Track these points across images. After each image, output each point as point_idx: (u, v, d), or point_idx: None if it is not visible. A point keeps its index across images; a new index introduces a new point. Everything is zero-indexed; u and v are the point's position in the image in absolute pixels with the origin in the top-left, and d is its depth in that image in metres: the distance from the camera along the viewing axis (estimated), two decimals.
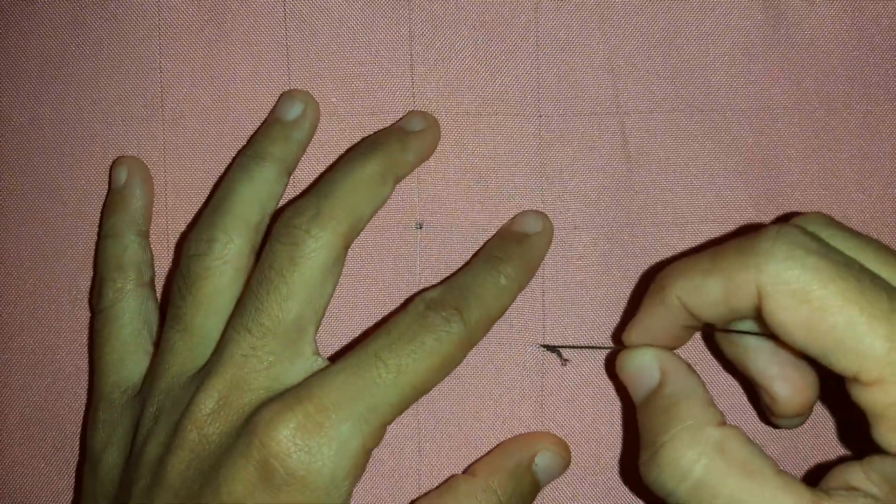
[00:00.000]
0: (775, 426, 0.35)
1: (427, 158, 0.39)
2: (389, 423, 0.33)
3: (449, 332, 0.33)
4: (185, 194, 0.41)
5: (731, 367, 0.36)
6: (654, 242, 0.40)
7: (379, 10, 0.40)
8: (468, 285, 0.35)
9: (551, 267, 0.40)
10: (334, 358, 0.35)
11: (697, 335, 0.40)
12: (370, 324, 0.40)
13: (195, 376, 0.34)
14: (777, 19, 0.40)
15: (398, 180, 0.38)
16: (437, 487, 0.38)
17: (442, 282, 0.37)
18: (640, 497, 0.40)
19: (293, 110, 0.39)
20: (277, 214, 0.36)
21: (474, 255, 0.39)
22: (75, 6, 0.41)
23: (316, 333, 0.35)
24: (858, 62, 0.40)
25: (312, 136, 0.39)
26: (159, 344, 0.36)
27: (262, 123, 0.40)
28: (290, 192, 0.40)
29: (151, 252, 0.39)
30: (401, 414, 0.33)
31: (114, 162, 0.40)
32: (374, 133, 0.39)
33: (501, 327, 0.40)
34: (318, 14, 0.41)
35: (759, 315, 0.28)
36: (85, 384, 0.41)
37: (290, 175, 0.38)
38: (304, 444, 0.31)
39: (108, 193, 0.40)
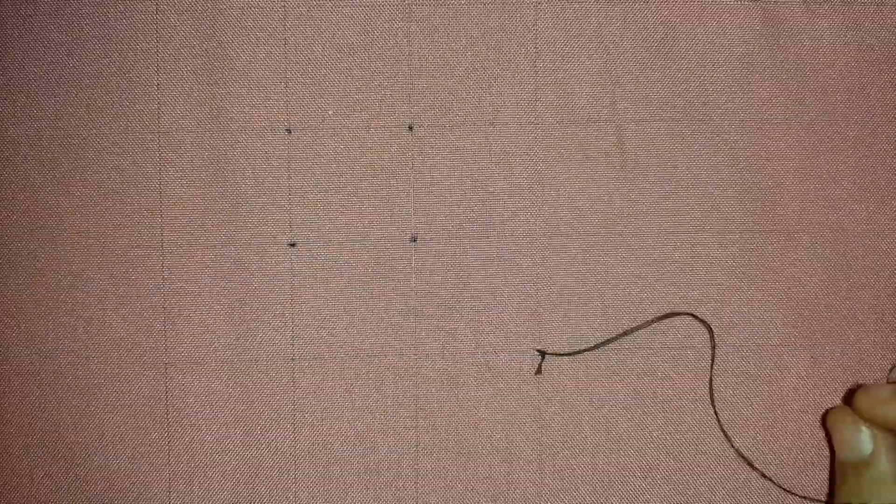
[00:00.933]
0: None
1: None
2: None
3: None
4: (181, 204, 0.40)
5: None
6: (649, 250, 0.41)
7: (378, 19, 0.40)
8: None
9: (546, 273, 0.40)
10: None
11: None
12: (366, 334, 0.41)
13: None
14: (776, 30, 0.40)
15: None
16: None
17: None
18: None
19: None
20: None
21: None
22: (74, 22, 0.40)
23: None
24: (857, 74, 0.40)
25: None
26: None
27: None
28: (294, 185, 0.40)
29: None
30: None
31: None
32: None
33: (498, 334, 0.40)
34: (317, 13, 0.40)
35: None
36: (83, 393, 0.40)
37: None
38: None
39: None
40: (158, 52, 0.40)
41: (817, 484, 0.40)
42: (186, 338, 0.40)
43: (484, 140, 0.40)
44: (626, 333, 0.40)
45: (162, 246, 0.40)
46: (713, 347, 0.40)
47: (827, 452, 0.40)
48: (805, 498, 0.40)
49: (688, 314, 0.40)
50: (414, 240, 0.40)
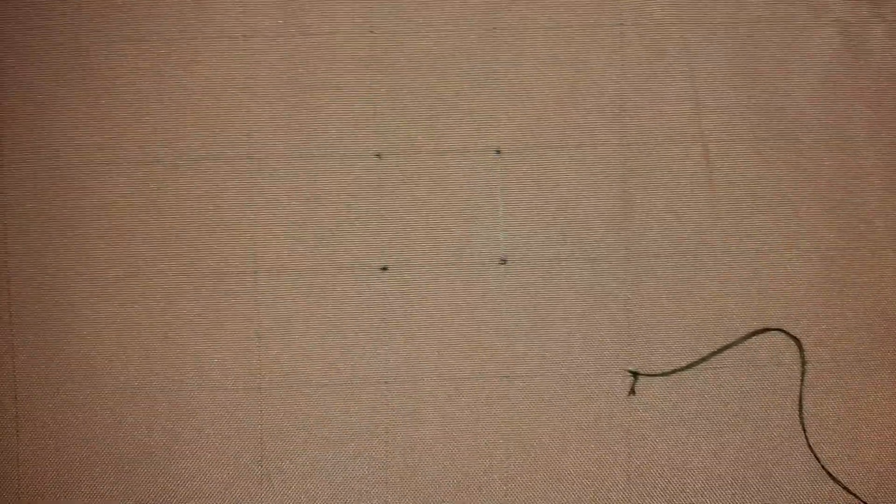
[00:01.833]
0: None
1: None
2: None
3: None
4: (274, 229, 0.41)
5: None
6: (738, 268, 0.41)
7: (464, 46, 0.40)
8: None
9: (635, 293, 0.41)
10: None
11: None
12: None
13: None
14: (857, 49, 0.41)
15: None
16: None
17: None
18: None
19: None
20: None
21: None
22: (166, 38, 0.40)
23: None
24: None
25: None
26: None
27: None
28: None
29: None
30: None
31: None
32: None
33: (589, 354, 0.41)
34: (401, 37, 0.41)
35: None
36: (176, 418, 0.40)
37: None
38: None
39: None
40: (247, 77, 0.40)
41: None
42: (281, 362, 0.40)
43: (571, 162, 0.41)
44: (719, 351, 0.40)
45: (255, 271, 0.41)
46: (803, 363, 0.40)
47: None
48: None
49: (779, 330, 0.40)
50: (503, 262, 0.41)
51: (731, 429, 0.41)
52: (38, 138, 0.40)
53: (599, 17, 0.41)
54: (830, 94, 0.41)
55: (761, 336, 0.41)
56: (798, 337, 0.41)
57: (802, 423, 0.40)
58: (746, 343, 0.41)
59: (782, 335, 0.41)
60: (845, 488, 0.40)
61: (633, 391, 0.39)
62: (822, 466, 0.40)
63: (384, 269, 0.41)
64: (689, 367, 0.40)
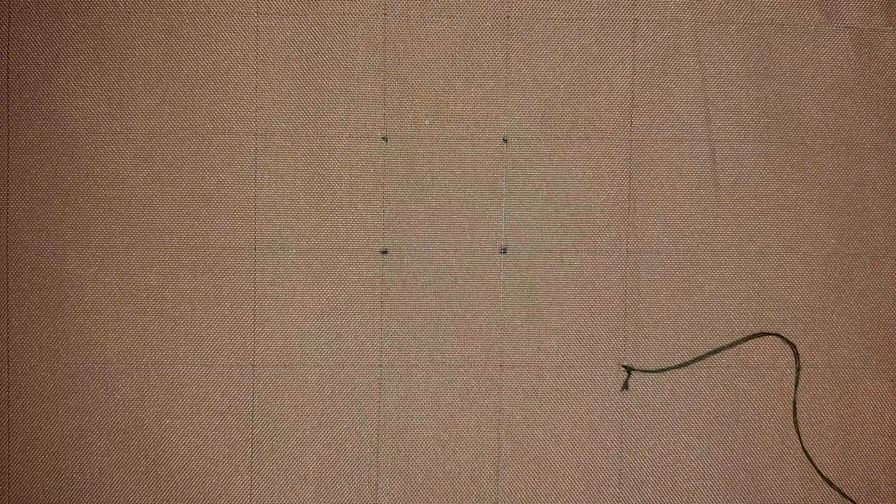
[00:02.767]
0: None
1: None
2: None
3: None
4: (275, 207, 0.41)
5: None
6: (738, 270, 0.41)
7: (477, 32, 0.40)
8: None
9: (634, 288, 0.41)
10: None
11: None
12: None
13: None
14: (869, 57, 0.41)
15: None
16: None
17: None
18: None
19: None
20: None
21: None
22: (173, 22, 0.40)
23: None
24: None
25: None
26: None
27: None
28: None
29: None
30: None
31: None
32: None
33: (584, 348, 0.41)
34: (415, 25, 0.40)
35: None
36: (168, 393, 0.40)
37: None
38: None
39: None
40: (258, 54, 0.40)
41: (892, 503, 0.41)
42: (276, 340, 0.40)
43: (577, 154, 0.41)
44: (715, 352, 0.40)
45: (255, 248, 0.40)
46: (798, 368, 0.40)
47: None
48: None
49: (775, 335, 0.40)
50: (504, 251, 0.41)
51: (723, 429, 0.41)
52: (47, 107, 0.40)
53: (613, 12, 0.41)
54: (839, 100, 0.41)
55: (759, 339, 0.41)
56: (794, 341, 0.41)
57: (797, 427, 0.41)
58: (743, 345, 0.41)
59: (779, 340, 0.41)
60: (840, 492, 0.40)
61: (626, 386, 0.39)
62: (818, 471, 0.40)
63: (384, 252, 0.41)
64: (683, 365, 0.40)
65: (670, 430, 0.41)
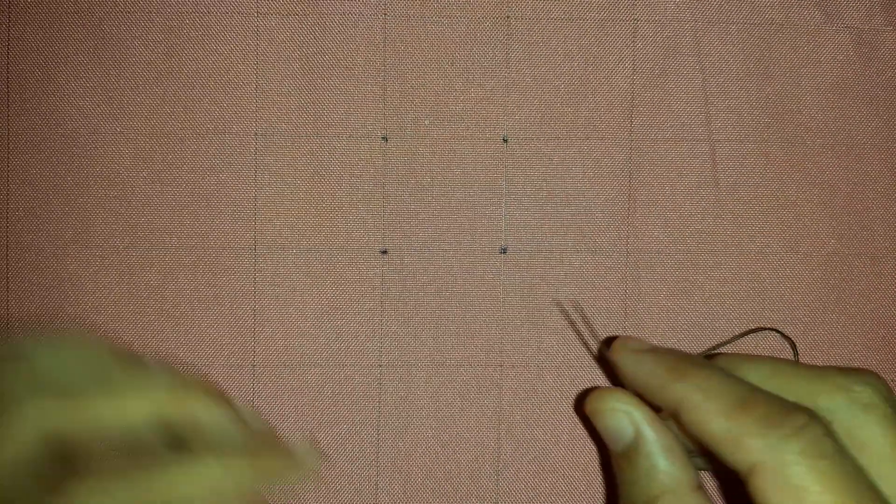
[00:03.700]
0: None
1: None
2: None
3: None
4: (275, 206, 0.41)
5: None
6: (738, 269, 0.41)
7: (477, 31, 0.40)
8: None
9: (634, 288, 0.41)
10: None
11: None
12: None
13: None
14: (869, 56, 0.41)
15: None
16: None
17: None
18: None
19: None
20: None
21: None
22: (173, 21, 0.40)
23: None
24: None
25: None
26: None
27: None
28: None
29: None
30: None
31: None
32: None
33: (584, 349, 0.41)
34: (416, 24, 0.40)
35: (742, 473, 0.29)
36: None
37: None
38: None
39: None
40: (258, 54, 0.40)
41: None
42: (276, 340, 0.40)
43: (577, 154, 0.41)
44: (713, 348, 0.40)
45: (255, 247, 0.40)
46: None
47: None
48: None
49: (773, 329, 0.40)
50: (504, 251, 0.41)
51: None
52: (47, 107, 0.40)
53: (613, 12, 0.41)
54: (840, 100, 0.41)
55: (757, 337, 0.41)
56: (794, 341, 0.41)
57: None
58: (741, 342, 0.41)
59: (777, 336, 0.41)
60: None
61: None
62: None
63: (384, 252, 0.41)
64: None
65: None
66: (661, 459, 0.31)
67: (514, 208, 0.41)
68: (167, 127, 0.40)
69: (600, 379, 0.41)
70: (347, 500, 0.40)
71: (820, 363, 0.41)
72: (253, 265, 0.40)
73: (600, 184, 0.41)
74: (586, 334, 0.41)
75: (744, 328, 0.41)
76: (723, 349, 0.41)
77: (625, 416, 0.32)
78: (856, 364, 0.41)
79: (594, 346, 0.41)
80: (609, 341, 0.36)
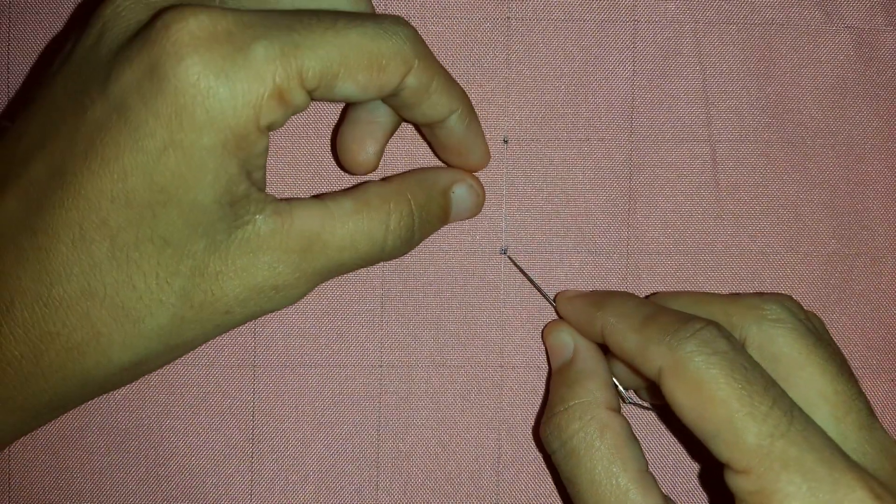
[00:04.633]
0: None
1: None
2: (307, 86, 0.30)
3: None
4: None
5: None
6: (738, 270, 0.41)
7: (477, 33, 0.40)
8: None
9: (635, 289, 0.41)
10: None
11: None
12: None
13: None
14: (869, 57, 0.41)
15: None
16: (348, 188, 0.36)
17: None
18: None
19: None
20: None
21: None
22: None
23: None
24: None
25: None
26: None
27: None
28: None
29: None
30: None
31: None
32: None
33: None
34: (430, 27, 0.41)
35: (656, 380, 0.31)
36: (168, 392, 0.40)
37: None
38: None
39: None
40: None
41: None
42: (276, 341, 0.40)
43: (578, 155, 0.41)
44: None
45: None
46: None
47: None
48: None
49: None
50: (504, 252, 0.41)
51: None
52: None
53: (613, 13, 0.41)
54: (840, 100, 0.41)
55: None
56: None
57: None
58: None
59: None
60: None
61: (623, 399, 0.39)
62: None
63: None
64: None
65: (671, 430, 0.41)
66: (585, 375, 0.35)
67: (515, 209, 0.41)
68: None
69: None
70: (348, 500, 0.41)
71: None
72: None
73: (600, 184, 0.41)
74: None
75: None
76: None
77: (568, 336, 0.37)
78: (856, 364, 0.41)
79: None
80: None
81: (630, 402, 0.38)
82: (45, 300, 0.29)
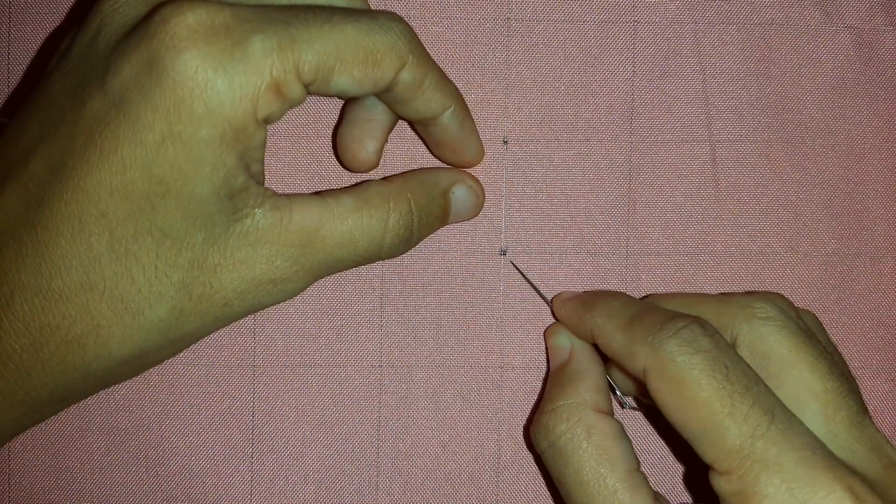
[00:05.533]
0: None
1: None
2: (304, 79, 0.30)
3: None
4: None
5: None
6: (738, 270, 0.41)
7: (477, 33, 0.40)
8: None
9: (634, 290, 0.41)
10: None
11: None
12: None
13: None
14: (868, 56, 0.41)
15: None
16: (348, 186, 0.36)
17: None
18: None
19: None
20: None
21: None
22: None
23: None
24: None
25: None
26: None
27: None
28: None
29: None
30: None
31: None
32: None
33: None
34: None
35: (641, 380, 0.31)
36: (168, 393, 0.40)
37: None
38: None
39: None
40: None
41: None
42: (276, 341, 0.41)
43: (577, 156, 0.41)
44: None
45: None
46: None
47: None
48: None
49: None
50: (503, 253, 0.41)
51: None
52: None
53: (613, 13, 0.41)
54: (839, 100, 0.41)
55: None
56: None
57: None
58: None
59: None
60: None
61: (622, 405, 0.39)
62: None
63: None
64: None
65: (669, 430, 0.41)
66: (577, 377, 0.35)
67: (514, 209, 0.41)
68: None
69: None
70: (348, 500, 0.41)
71: None
72: None
73: (600, 185, 0.41)
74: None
75: None
76: None
77: (566, 338, 0.37)
78: (856, 364, 0.41)
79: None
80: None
81: (629, 408, 0.38)
82: (45, 293, 0.30)
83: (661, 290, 0.41)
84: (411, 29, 0.32)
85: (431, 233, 0.37)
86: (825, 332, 0.36)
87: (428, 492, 0.41)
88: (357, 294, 0.41)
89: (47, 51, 0.40)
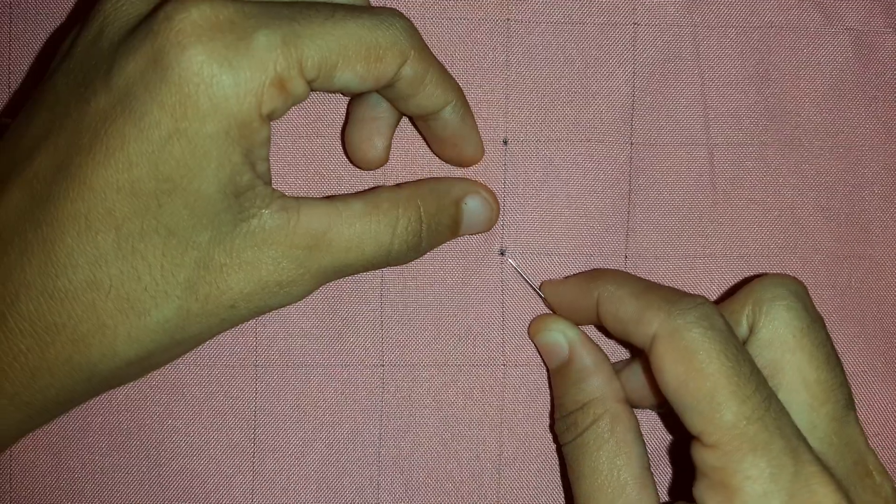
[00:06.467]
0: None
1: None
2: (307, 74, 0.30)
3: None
4: None
5: None
6: (736, 273, 0.41)
7: (477, 34, 0.40)
8: None
9: None
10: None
11: None
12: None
13: None
14: (868, 58, 0.41)
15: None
16: (359, 192, 0.37)
17: None
18: None
19: None
20: None
21: None
22: None
23: None
24: None
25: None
26: None
27: None
28: None
29: None
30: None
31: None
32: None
33: None
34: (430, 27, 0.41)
35: (646, 347, 0.32)
36: (170, 392, 0.41)
37: None
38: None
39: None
40: None
41: None
42: (277, 340, 0.41)
43: (577, 157, 0.41)
44: None
45: None
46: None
47: None
48: None
49: None
50: (502, 253, 0.41)
51: None
52: None
53: (613, 15, 0.41)
54: (839, 102, 0.41)
55: None
56: None
57: None
58: None
59: None
60: None
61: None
62: None
63: None
64: None
65: (670, 430, 0.41)
66: (590, 372, 0.35)
67: (514, 210, 0.41)
68: None
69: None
70: (350, 500, 0.41)
71: None
72: None
73: (600, 186, 0.41)
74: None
75: None
76: None
77: (560, 335, 0.37)
78: (855, 365, 0.41)
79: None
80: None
81: None
82: (51, 292, 0.30)
83: None
84: (413, 25, 0.33)
85: (442, 242, 0.37)
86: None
87: (430, 490, 0.41)
88: (358, 293, 0.41)
89: (49, 51, 0.40)
